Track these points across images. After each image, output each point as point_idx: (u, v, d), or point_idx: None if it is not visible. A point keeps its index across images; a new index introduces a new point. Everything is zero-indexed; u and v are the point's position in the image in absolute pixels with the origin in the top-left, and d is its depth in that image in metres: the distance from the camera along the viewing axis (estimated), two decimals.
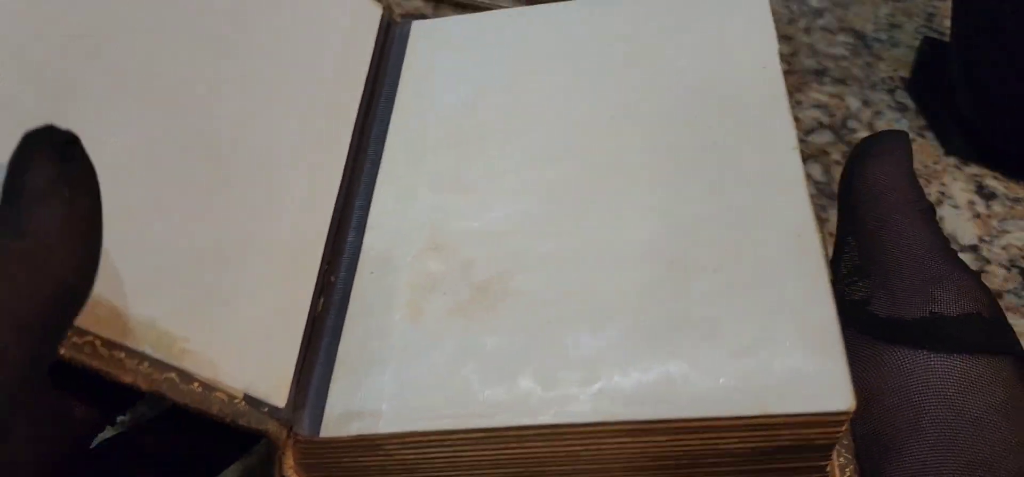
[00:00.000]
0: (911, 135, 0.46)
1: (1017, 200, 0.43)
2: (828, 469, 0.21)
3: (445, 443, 0.21)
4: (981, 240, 0.41)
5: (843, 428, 0.20)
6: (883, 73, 0.50)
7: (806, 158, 0.44)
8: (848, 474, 0.22)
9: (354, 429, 0.21)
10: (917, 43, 0.52)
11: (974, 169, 0.44)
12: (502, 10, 0.31)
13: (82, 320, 0.18)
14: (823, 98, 0.48)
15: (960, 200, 0.43)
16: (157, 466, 0.23)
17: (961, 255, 0.40)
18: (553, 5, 0.31)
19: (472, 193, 0.25)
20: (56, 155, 0.17)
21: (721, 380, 0.20)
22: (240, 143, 0.24)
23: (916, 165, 0.44)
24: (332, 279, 0.24)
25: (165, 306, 0.20)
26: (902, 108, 0.48)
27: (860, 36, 0.53)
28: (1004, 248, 0.40)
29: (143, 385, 0.19)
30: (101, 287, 0.18)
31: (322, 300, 0.24)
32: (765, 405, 0.19)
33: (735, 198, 0.24)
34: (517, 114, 0.27)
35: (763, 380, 0.20)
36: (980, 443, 0.20)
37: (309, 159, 0.25)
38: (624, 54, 0.28)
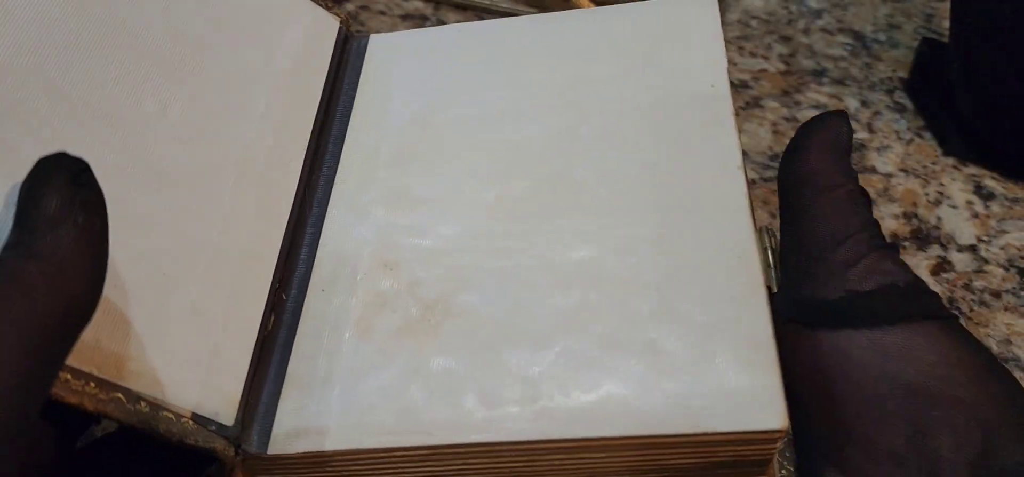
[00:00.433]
0: (910, 135, 0.46)
1: (1015, 200, 0.43)
2: None
3: (390, 460, 0.22)
4: (979, 240, 0.41)
5: (777, 445, 0.20)
6: (882, 74, 0.50)
7: None
8: None
9: (301, 446, 0.21)
10: (916, 44, 0.52)
11: (972, 169, 0.45)
12: (457, 25, 0.32)
13: None
14: (822, 99, 0.48)
15: (958, 200, 0.43)
16: None
17: (959, 255, 0.40)
18: (509, 21, 0.31)
19: (422, 210, 0.26)
20: (69, 181, 0.18)
21: (658, 398, 0.21)
22: (189, 162, 0.24)
23: (915, 165, 0.44)
24: (283, 297, 0.24)
25: (111, 327, 0.20)
26: (901, 109, 0.48)
27: (859, 37, 0.53)
28: (1002, 248, 0.40)
29: (90, 406, 0.19)
30: None
31: (273, 318, 0.24)
32: (700, 423, 0.20)
33: (678, 218, 0.24)
34: (468, 131, 0.28)
35: (700, 399, 0.20)
36: (917, 409, 0.21)
37: (261, 177, 0.25)
38: (575, 72, 0.29)
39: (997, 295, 0.38)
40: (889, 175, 0.44)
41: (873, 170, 0.44)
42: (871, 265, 0.22)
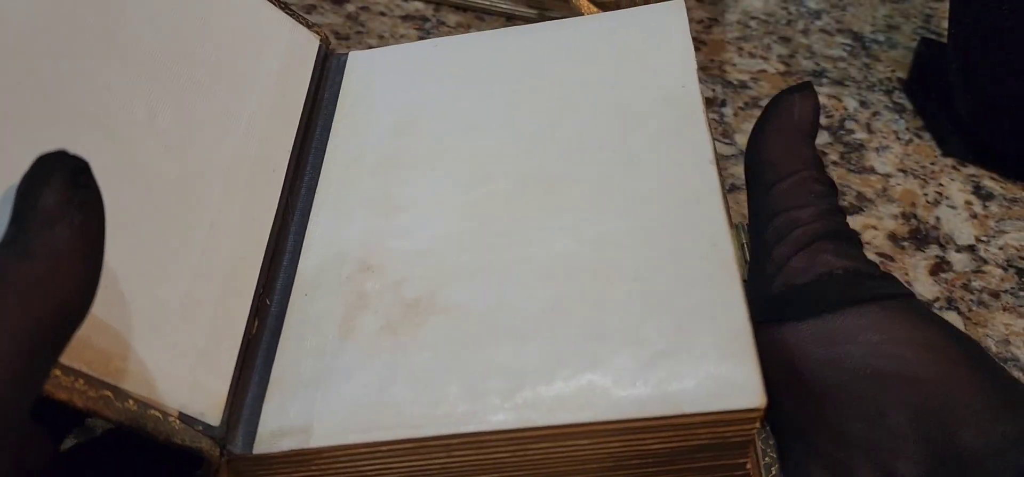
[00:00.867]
0: (909, 136, 0.46)
1: (1014, 200, 0.43)
2: (748, 467, 0.22)
3: (375, 455, 0.22)
4: (978, 240, 0.41)
5: (755, 425, 0.21)
6: (881, 74, 0.51)
7: None
8: (773, 473, 0.23)
9: (286, 445, 0.22)
10: (915, 44, 0.52)
11: (971, 169, 0.45)
12: (435, 40, 0.32)
13: None
14: (821, 99, 0.48)
15: (957, 200, 0.43)
16: None
17: (958, 255, 0.40)
18: (483, 34, 0.32)
19: (403, 214, 0.26)
20: (69, 180, 0.17)
21: (638, 384, 0.21)
22: (177, 168, 0.24)
23: (913, 165, 0.44)
24: (267, 302, 0.25)
25: (101, 325, 0.20)
26: (900, 109, 0.48)
27: (858, 37, 0.53)
28: (1001, 248, 0.41)
29: (78, 402, 0.19)
30: None
31: (257, 322, 0.24)
32: (679, 405, 0.20)
33: (653, 211, 0.25)
34: (446, 139, 0.28)
35: (678, 382, 0.21)
36: (869, 391, 0.21)
37: (246, 185, 0.26)
38: (549, 80, 0.29)
39: (996, 295, 0.38)
40: (888, 175, 0.44)
41: (872, 170, 0.44)
42: (810, 257, 0.23)
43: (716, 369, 0.21)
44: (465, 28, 0.49)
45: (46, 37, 0.22)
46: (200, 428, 0.21)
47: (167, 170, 0.24)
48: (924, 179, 0.44)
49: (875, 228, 0.41)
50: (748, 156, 0.25)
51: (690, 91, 0.27)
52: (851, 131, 0.46)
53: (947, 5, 0.45)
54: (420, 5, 0.51)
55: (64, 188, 0.17)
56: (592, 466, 0.22)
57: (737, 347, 0.21)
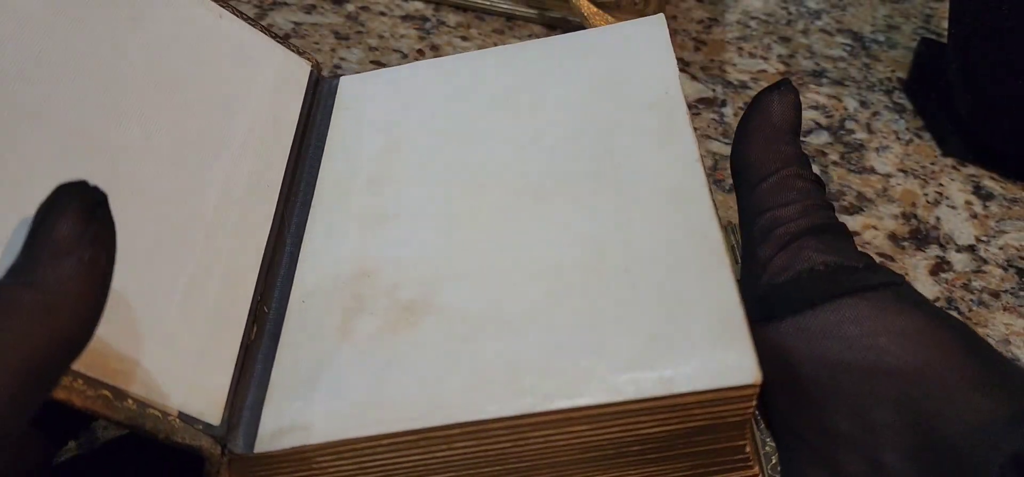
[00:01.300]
0: (909, 136, 0.46)
1: (1014, 200, 0.43)
2: (747, 449, 0.23)
3: (376, 450, 0.22)
4: (978, 240, 0.41)
5: (751, 404, 0.21)
6: (881, 74, 0.51)
7: None
8: (774, 462, 0.23)
9: (287, 443, 0.22)
10: (915, 44, 0.52)
11: (971, 170, 0.45)
12: (424, 62, 0.34)
13: None
14: (821, 99, 0.48)
15: (957, 201, 0.43)
16: None
17: (958, 255, 0.40)
18: (471, 54, 0.34)
19: (396, 226, 0.27)
20: (84, 213, 0.17)
21: (633, 368, 0.21)
22: (172, 184, 0.25)
23: (913, 165, 0.44)
24: (265, 309, 0.25)
25: (99, 330, 0.20)
26: (900, 109, 0.48)
27: (858, 37, 0.53)
28: (1001, 248, 0.41)
29: (77, 402, 0.19)
30: None
31: (255, 328, 0.25)
32: (675, 385, 0.21)
33: (641, 209, 0.25)
34: (435, 154, 0.29)
35: (673, 365, 0.21)
36: (851, 385, 0.21)
37: (241, 199, 0.27)
38: (535, 95, 0.30)
39: (996, 295, 0.38)
40: (888, 175, 0.44)
41: (872, 170, 0.44)
42: (791, 254, 0.23)
43: (710, 349, 0.21)
44: (465, 28, 0.49)
45: (39, 63, 0.23)
46: (200, 427, 0.21)
47: (162, 186, 0.24)
48: (924, 179, 0.44)
49: (875, 228, 0.41)
50: (733, 158, 0.26)
51: (673, 96, 0.28)
52: (851, 131, 0.46)
53: (947, 5, 0.45)
54: (420, 5, 0.51)
55: (78, 220, 0.17)
56: (593, 454, 0.22)
57: (730, 327, 0.21)
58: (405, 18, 0.50)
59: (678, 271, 0.23)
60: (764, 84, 0.48)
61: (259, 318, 0.25)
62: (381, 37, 0.48)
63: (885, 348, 0.21)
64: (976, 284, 0.39)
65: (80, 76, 0.24)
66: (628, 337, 0.22)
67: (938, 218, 0.42)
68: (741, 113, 0.46)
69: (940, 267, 0.40)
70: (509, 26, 0.50)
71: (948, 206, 0.43)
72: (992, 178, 0.44)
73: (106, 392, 0.20)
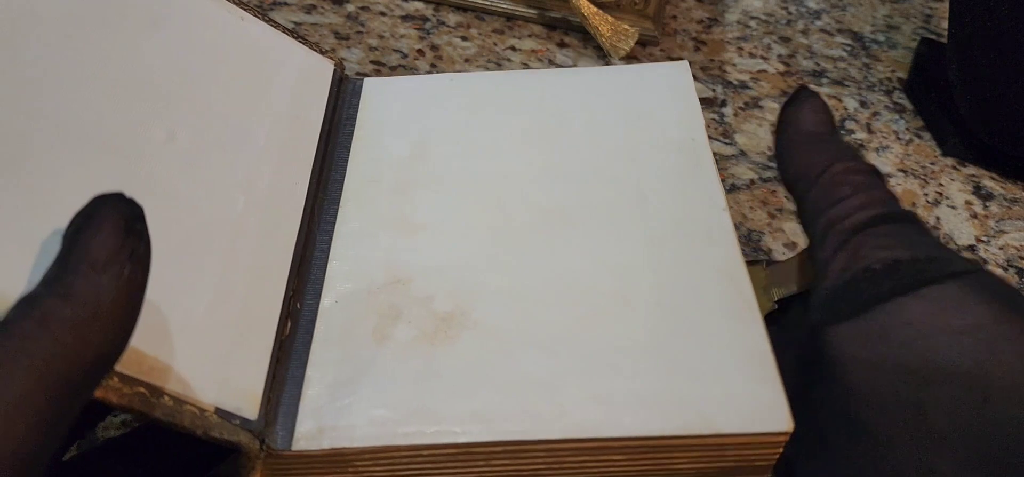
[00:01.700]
0: (909, 136, 0.46)
1: (1014, 200, 0.43)
2: None
3: (415, 460, 0.22)
4: (978, 240, 0.41)
5: (780, 450, 0.22)
6: (881, 74, 0.51)
7: None
8: None
9: (326, 443, 0.22)
10: (915, 44, 0.52)
11: (971, 170, 0.45)
12: (447, 75, 0.34)
13: None
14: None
15: (957, 201, 0.43)
16: None
17: None
18: (494, 74, 0.34)
19: (425, 234, 0.27)
20: (122, 227, 0.17)
21: (675, 403, 0.22)
22: (197, 183, 0.25)
23: (914, 165, 0.44)
24: (298, 305, 0.25)
25: (136, 329, 0.20)
26: (900, 109, 0.48)
27: (858, 37, 0.53)
28: (1001, 248, 0.41)
29: (114, 399, 0.19)
30: None
31: (289, 324, 0.25)
32: (715, 425, 0.21)
33: (670, 247, 0.26)
34: (462, 166, 0.30)
35: (711, 404, 0.22)
36: (909, 390, 0.20)
37: (268, 198, 0.27)
38: (558, 120, 0.31)
39: None
40: (888, 175, 0.44)
41: None
42: (849, 255, 0.22)
43: (745, 392, 0.22)
44: (465, 28, 0.49)
45: (59, 68, 0.23)
46: (238, 422, 0.21)
47: (187, 185, 0.24)
48: (924, 179, 0.44)
49: None
50: (783, 179, 0.25)
51: (699, 142, 0.29)
52: (851, 131, 0.46)
53: (947, 5, 0.45)
54: (420, 5, 0.51)
55: (116, 234, 0.17)
56: None
57: (762, 373, 0.22)
58: (405, 18, 0.50)
59: (710, 312, 0.24)
60: (764, 84, 0.48)
61: (292, 314, 0.25)
62: (381, 37, 0.48)
63: (942, 349, 0.20)
64: None
65: (101, 80, 0.24)
66: (666, 372, 0.23)
67: (938, 218, 0.42)
68: (741, 113, 0.46)
69: None
70: (509, 26, 0.50)
71: (948, 206, 0.43)
72: (992, 178, 0.44)
73: (142, 389, 0.20)
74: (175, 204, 0.24)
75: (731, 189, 0.42)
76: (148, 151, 0.24)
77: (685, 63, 0.33)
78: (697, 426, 0.21)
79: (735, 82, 0.48)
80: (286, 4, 0.49)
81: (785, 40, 0.52)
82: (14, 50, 0.22)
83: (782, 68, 0.50)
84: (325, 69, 0.32)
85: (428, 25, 0.49)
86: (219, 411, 0.21)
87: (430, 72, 0.46)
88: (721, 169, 0.44)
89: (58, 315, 0.16)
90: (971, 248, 0.41)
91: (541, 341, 0.24)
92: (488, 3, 0.50)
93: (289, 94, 0.30)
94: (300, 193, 0.28)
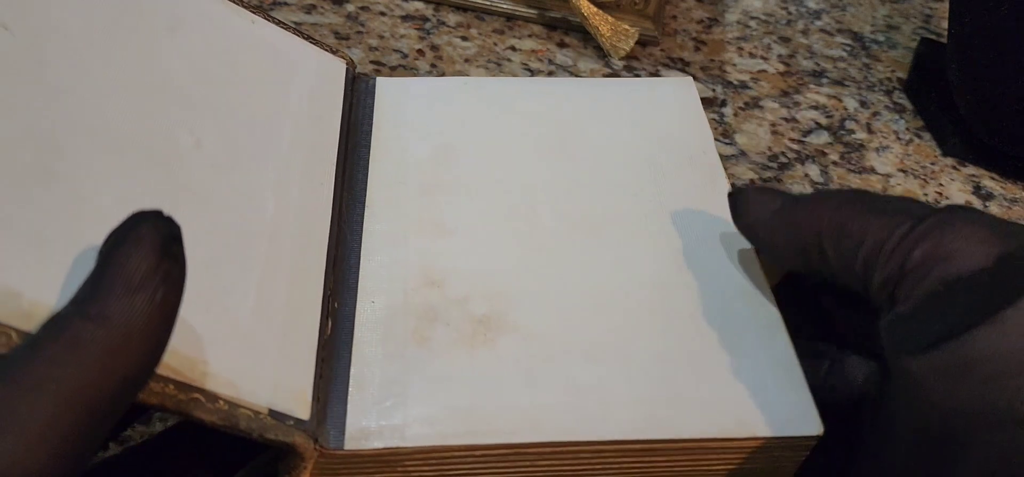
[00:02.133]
0: (909, 136, 0.46)
1: (1014, 201, 0.43)
2: None
3: (466, 460, 0.22)
4: None
5: (806, 453, 0.23)
6: (881, 74, 0.51)
7: (804, 159, 0.44)
8: None
9: (378, 443, 0.22)
10: (915, 44, 0.52)
11: (971, 170, 0.45)
12: (462, 78, 0.36)
13: None
14: (821, 99, 0.48)
15: (957, 201, 0.43)
16: None
17: None
18: (509, 79, 0.35)
19: (455, 237, 0.27)
20: (159, 248, 0.17)
21: (712, 408, 0.23)
22: (227, 187, 0.25)
23: (913, 165, 0.44)
24: (336, 305, 0.25)
25: (182, 334, 0.20)
26: (900, 109, 0.48)
27: (858, 37, 0.53)
28: None
29: (170, 406, 0.19)
30: None
31: (330, 323, 0.25)
32: (752, 429, 0.22)
33: (694, 260, 0.27)
34: (483, 170, 0.30)
35: (746, 410, 0.23)
36: (992, 439, 0.17)
37: (297, 199, 0.27)
38: (574, 129, 0.32)
39: None
40: (888, 175, 0.44)
41: (872, 170, 0.44)
42: (908, 279, 0.19)
43: (777, 398, 0.23)
44: (465, 28, 0.49)
45: (85, 78, 0.23)
46: (291, 423, 0.21)
47: (218, 190, 0.24)
48: (924, 179, 0.44)
49: None
50: (783, 266, 0.25)
51: (710, 156, 0.31)
52: (851, 131, 0.46)
53: (947, 5, 0.45)
54: (420, 5, 0.51)
55: (153, 255, 0.16)
56: None
57: (791, 380, 0.23)
58: (405, 18, 0.50)
59: (738, 323, 0.25)
60: (764, 84, 0.48)
61: (332, 314, 0.25)
62: (381, 37, 0.48)
63: None
64: None
65: (126, 86, 0.24)
66: (704, 379, 0.24)
67: None
68: (741, 113, 0.46)
69: None
70: (509, 26, 0.50)
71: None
72: (992, 178, 0.44)
73: (198, 395, 0.20)
74: (210, 209, 0.24)
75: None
76: (177, 156, 0.24)
77: (689, 79, 0.34)
78: (735, 430, 0.22)
79: (735, 82, 0.48)
80: (286, 4, 0.49)
81: (785, 40, 0.52)
82: (40, 59, 0.22)
83: (782, 68, 0.50)
84: (338, 69, 0.32)
85: (428, 25, 0.49)
86: (273, 412, 0.21)
87: (430, 72, 0.46)
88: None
89: (89, 339, 0.15)
90: None
91: (581, 346, 0.24)
92: (488, 3, 0.50)
93: (307, 95, 0.30)
94: (327, 193, 0.28)
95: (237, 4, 0.30)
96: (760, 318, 0.25)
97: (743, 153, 0.44)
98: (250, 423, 0.21)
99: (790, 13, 0.55)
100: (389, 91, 0.33)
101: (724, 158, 0.44)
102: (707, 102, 0.47)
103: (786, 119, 0.46)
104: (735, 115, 0.46)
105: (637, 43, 0.48)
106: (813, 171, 0.43)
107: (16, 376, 0.15)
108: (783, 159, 0.44)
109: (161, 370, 0.19)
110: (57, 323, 0.16)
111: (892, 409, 0.21)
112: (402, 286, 0.26)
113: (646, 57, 0.49)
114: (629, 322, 0.25)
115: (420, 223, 0.28)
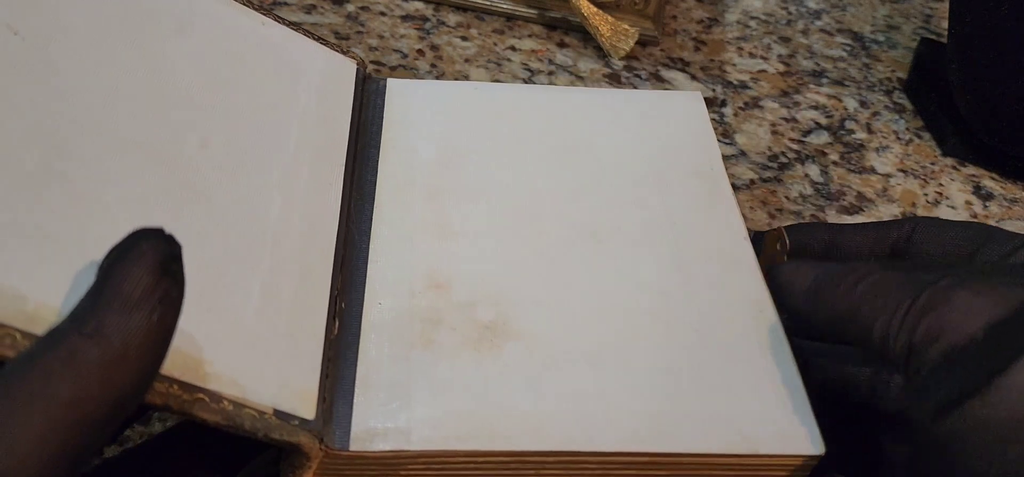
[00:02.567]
0: (909, 136, 0.46)
1: (1014, 200, 0.43)
2: None
3: (469, 466, 0.22)
4: None
5: (807, 473, 0.23)
6: (881, 74, 0.51)
7: (804, 159, 0.44)
8: None
9: (383, 445, 0.22)
10: (915, 44, 0.52)
11: (971, 170, 0.45)
12: (470, 82, 0.35)
13: None
14: (821, 99, 0.48)
15: (957, 201, 0.43)
16: None
17: None
18: (516, 86, 0.35)
19: (460, 240, 0.28)
20: (158, 267, 0.16)
21: (717, 423, 0.23)
22: (234, 187, 0.25)
23: (913, 165, 0.44)
24: (343, 306, 0.25)
25: (185, 335, 0.20)
26: (900, 109, 0.48)
27: (858, 37, 0.53)
28: None
29: (174, 407, 0.19)
30: None
31: (337, 323, 0.25)
32: (756, 446, 0.23)
33: (698, 271, 0.27)
34: (491, 175, 0.30)
35: (751, 426, 0.23)
36: None
37: (303, 199, 0.27)
38: (580, 137, 0.32)
39: None
40: (888, 175, 0.44)
41: (872, 170, 0.44)
42: (920, 356, 0.20)
43: (780, 416, 0.23)
44: (465, 28, 0.49)
45: (94, 81, 0.23)
46: (296, 422, 0.21)
47: (224, 191, 0.24)
48: (924, 179, 0.44)
49: None
50: (814, 335, 0.26)
51: (717, 170, 0.31)
52: (851, 131, 0.46)
53: (947, 5, 0.45)
54: (420, 5, 0.51)
55: (153, 274, 0.16)
56: None
57: (794, 398, 0.24)
58: (405, 18, 0.50)
59: (740, 338, 0.25)
60: (764, 84, 0.48)
61: (338, 314, 0.25)
62: (381, 37, 0.48)
63: None
64: None
65: (133, 88, 0.24)
66: (708, 393, 0.24)
67: (937, 218, 0.42)
68: (741, 113, 0.46)
69: None
70: (509, 26, 0.50)
71: (948, 206, 0.43)
72: (992, 178, 0.44)
73: (202, 395, 0.20)
74: (214, 210, 0.24)
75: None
76: (183, 158, 0.24)
77: (698, 93, 0.34)
78: (740, 446, 0.23)
79: (735, 82, 0.48)
80: (286, 4, 0.49)
81: (785, 40, 0.52)
82: (48, 61, 0.22)
83: (782, 68, 0.50)
84: (348, 69, 0.32)
85: (428, 25, 0.49)
86: (278, 412, 0.21)
87: (430, 72, 0.46)
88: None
89: (84, 354, 0.15)
90: None
91: (586, 355, 0.24)
92: (488, 3, 0.50)
93: (316, 95, 0.30)
94: (335, 194, 0.28)
95: (246, 5, 0.30)
96: (762, 333, 0.25)
97: (743, 153, 0.44)
98: (255, 423, 0.20)
99: (790, 13, 0.55)
100: (399, 93, 0.33)
101: (724, 158, 0.44)
102: (707, 102, 0.47)
103: (786, 119, 0.46)
104: (735, 115, 0.46)
105: (637, 43, 0.48)
106: (813, 171, 0.43)
107: (10, 389, 0.15)
108: (783, 159, 0.44)
109: (166, 370, 0.19)
110: (54, 337, 0.16)
111: (922, 468, 0.21)
112: (409, 288, 0.26)
113: (646, 57, 0.49)
114: (633, 332, 0.25)
115: (427, 226, 0.28)
